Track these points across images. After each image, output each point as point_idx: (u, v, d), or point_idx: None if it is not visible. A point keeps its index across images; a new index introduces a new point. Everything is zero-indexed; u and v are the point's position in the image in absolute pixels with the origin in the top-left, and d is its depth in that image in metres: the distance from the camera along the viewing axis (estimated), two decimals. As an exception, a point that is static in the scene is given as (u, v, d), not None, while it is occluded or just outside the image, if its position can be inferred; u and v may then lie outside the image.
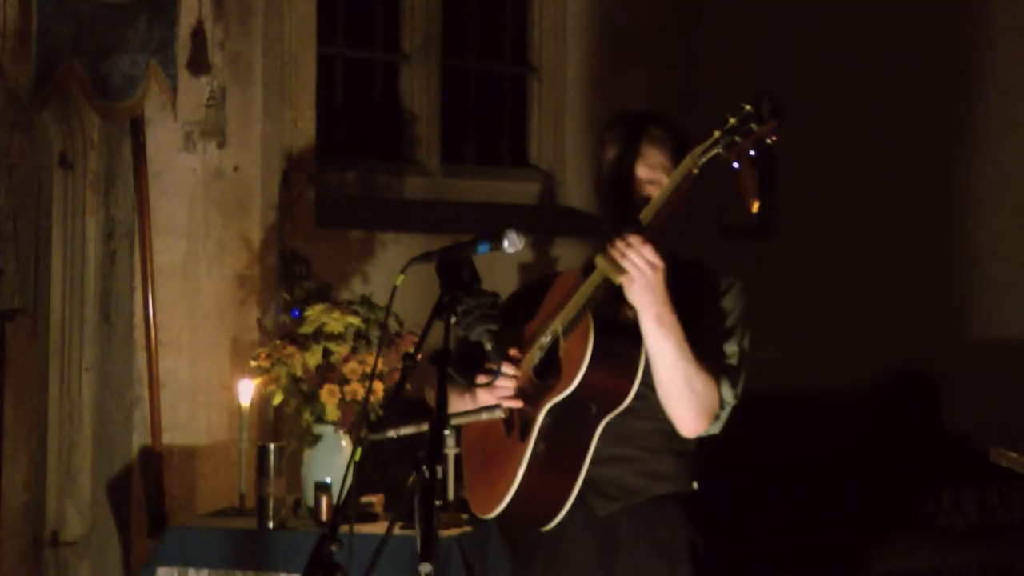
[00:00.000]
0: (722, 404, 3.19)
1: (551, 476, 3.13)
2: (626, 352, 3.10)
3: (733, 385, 3.21)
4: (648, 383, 3.13)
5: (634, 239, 3.02)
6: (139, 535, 5.73)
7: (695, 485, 3.33)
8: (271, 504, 4.82)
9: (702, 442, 3.29)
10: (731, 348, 3.23)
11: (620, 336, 3.09)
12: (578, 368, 3.05)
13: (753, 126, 2.97)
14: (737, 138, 2.98)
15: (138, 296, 5.74)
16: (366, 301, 5.18)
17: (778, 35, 7.67)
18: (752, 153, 2.99)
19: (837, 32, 7.87)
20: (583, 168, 7.19)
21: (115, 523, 5.81)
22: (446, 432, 2.79)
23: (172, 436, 5.73)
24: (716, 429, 3.22)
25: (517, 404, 3.17)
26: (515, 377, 3.18)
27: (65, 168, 5.89)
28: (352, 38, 6.96)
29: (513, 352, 3.20)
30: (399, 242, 6.46)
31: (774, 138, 2.99)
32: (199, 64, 5.68)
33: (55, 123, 5.85)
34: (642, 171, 3.22)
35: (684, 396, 3.12)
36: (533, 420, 3.11)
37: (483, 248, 3.08)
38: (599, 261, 3.06)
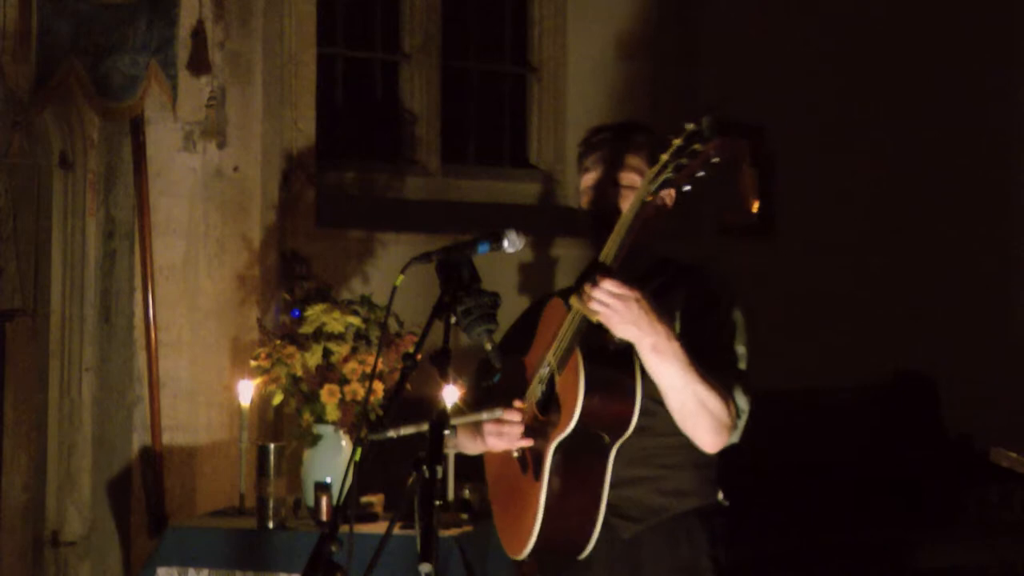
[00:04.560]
0: (738, 413, 3.12)
1: (572, 509, 3.12)
2: (619, 378, 3.07)
3: (746, 391, 3.14)
4: (656, 398, 3.08)
5: (599, 279, 2.96)
6: (139, 535, 5.73)
7: (720, 496, 3.31)
8: (271, 504, 4.82)
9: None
10: (737, 352, 3.19)
11: (610, 364, 3.06)
12: (575, 404, 3.03)
13: (698, 146, 2.89)
14: (684, 160, 2.90)
15: (138, 296, 5.74)
16: (366, 301, 5.18)
17: (778, 35, 7.68)
18: (701, 174, 2.91)
19: (837, 31, 7.86)
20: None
21: (115, 523, 5.81)
22: (446, 432, 2.79)
23: (172, 436, 5.73)
24: (735, 438, 3.16)
25: (527, 443, 3.15)
26: (521, 417, 3.16)
27: (65, 168, 5.89)
28: (352, 38, 6.96)
29: (517, 403, 3.18)
30: (399, 242, 6.46)
31: (718, 159, 2.90)
32: (199, 64, 5.68)
33: (55, 123, 5.85)
34: (624, 178, 3.22)
35: (699, 416, 3.06)
36: (543, 458, 3.11)
37: (483, 248, 3.08)
38: (574, 302, 3.02)
